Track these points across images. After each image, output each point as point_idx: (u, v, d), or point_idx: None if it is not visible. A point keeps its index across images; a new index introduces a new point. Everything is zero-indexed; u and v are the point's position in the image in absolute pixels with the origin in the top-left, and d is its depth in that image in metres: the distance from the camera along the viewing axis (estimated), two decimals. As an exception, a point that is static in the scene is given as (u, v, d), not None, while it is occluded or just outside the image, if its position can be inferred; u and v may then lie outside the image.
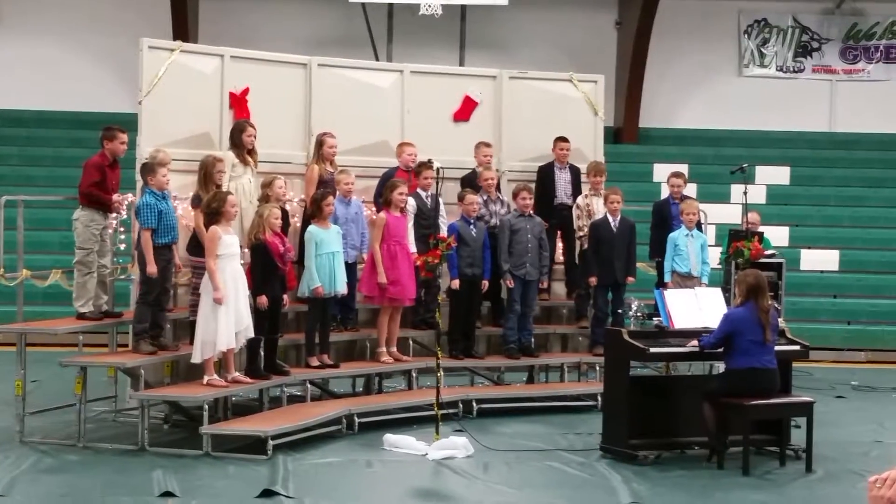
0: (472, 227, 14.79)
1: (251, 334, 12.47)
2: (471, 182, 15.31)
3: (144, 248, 12.25)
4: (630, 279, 15.37)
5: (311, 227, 13.51)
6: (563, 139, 15.93)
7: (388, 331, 14.35)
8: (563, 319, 16.19)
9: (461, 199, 14.86)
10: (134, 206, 12.94)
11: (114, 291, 13.29)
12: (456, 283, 14.64)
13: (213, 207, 12.19)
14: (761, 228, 16.64)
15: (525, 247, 14.88)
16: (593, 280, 15.20)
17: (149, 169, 12.51)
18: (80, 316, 12.75)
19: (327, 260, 13.45)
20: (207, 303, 12.11)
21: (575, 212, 15.68)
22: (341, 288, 13.61)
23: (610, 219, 15.21)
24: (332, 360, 13.83)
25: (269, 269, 12.70)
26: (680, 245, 15.23)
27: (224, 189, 13.02)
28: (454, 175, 15.18)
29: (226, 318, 12.08)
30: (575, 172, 15.99)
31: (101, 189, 12.74)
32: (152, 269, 12.22)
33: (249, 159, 13.81)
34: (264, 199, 13.43)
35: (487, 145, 15.58)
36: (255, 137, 13.83)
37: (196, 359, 12.24)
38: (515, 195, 15.05)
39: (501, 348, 15.20)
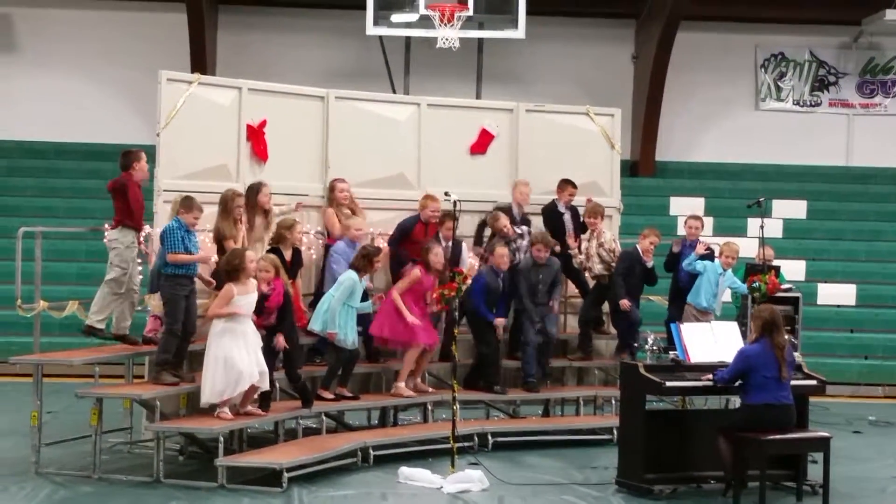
0: (500, 278, 14.83)
1: (266, 386, 12.48)
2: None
3: (185, 260, 12.35)
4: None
5: (353, 274, 13.53)
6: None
7: (416, 364, 14.41)
8: (577, 352, 16.12)
9: (491, 251, 14.87)
10: (153, 236, 13.07)
11: (133, 315, 13.33)
12: (501, 321, 14.85)
13: (234, 265, 12.21)
14: (778, 262, 16.61)
15: (536, 289, 15.00)
16: (625, 303, 15.18)
17: (187, 205, 12.53)
18: (91, 330, 12.79)
19: (351, 312, 13.50)
20: (220, 355, 12.10)
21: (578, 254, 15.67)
22: (351, 343, 13.64)
23: (643, 257, 15.27)
24: (350, 393, 13.86)
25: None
26: (712, 279, 15.20)
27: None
28: (471, 208, 15.19)
29: (237, 370, 12.07)
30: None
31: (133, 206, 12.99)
32: (206, 253, 12.60)
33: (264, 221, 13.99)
34: (278, 239, 13.66)
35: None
36: (270, 196, 14.02)
37: (205, 403, 12.26)
38: (532, 244, 15.04)
39: (520, 382, 15.17)
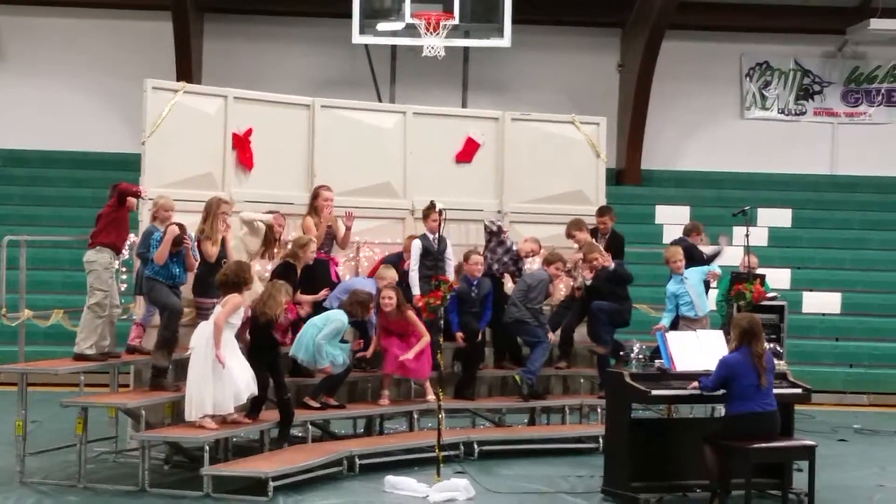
0: (473, 287, 14.84)
1: (255, 390, 12.46)
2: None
3: (162, 252, 12.46)
4: None
5: (344, 318, 13.54)
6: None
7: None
8: (562, 361, 16.12)
9: (466, 258, 14.90)
10: (136, 243, 13.11)
11: (115, 332, 13.30)
12: (460, 337, 14.78)
13: (242, 278, 12.26)
14: (763, 270, 16.61)
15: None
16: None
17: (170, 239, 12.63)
18: (81, 356, 12.74)
19: (340, 348, 13.53)
20: (203, 363, 12.08)
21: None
22: (346, 362, 13.67)
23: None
24: (335, 402, 13.87)
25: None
26: (679, 293, 15.17)
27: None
28: (456, 217, 15.20)
29: (229, 381, 12.06)
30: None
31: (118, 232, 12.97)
32: (174, 228, 12.52)
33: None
34: (293, 256, 13.80)
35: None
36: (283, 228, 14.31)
37: (193, 416, 12.19)
38: (549, 263, 15.05)
39: (506, 391, 15.21)
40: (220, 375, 11.99)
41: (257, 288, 13.42)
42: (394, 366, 14.15)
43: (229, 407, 12.15)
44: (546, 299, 15.25)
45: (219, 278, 12.43)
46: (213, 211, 13.29)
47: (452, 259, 15.06)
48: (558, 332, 15.66)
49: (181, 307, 12.74)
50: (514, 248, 15.51)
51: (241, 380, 12.16)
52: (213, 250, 13.15)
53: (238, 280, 12.26)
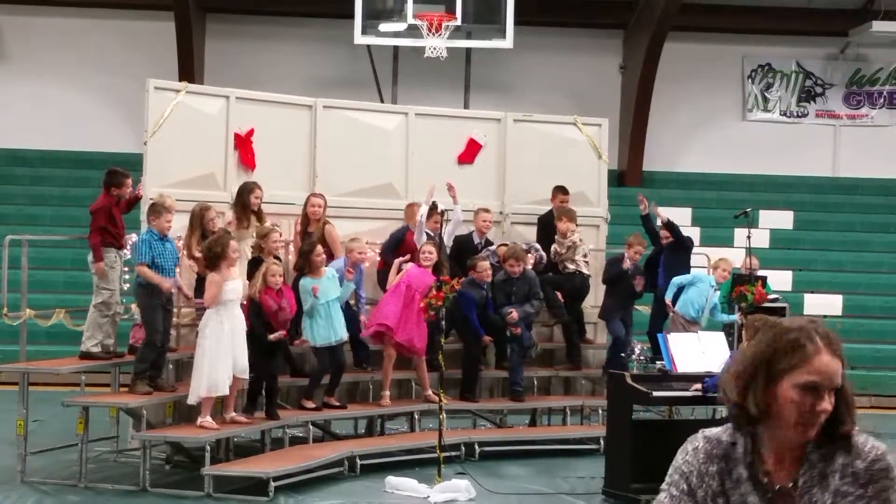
0: (483, 289, 14.81)
1: (246, 376, 12.45)
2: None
3: (148, 276, 12.29)
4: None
5: (304, 280, 13.44)
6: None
7: (419, 376, 14.50)
8: (565, 362, 16.12)
9: (472, 266, 14.79)
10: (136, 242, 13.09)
11: (116, 331, 13.30)
12: (487, 339, 14.94)
13: (215, 252, 12.16)
14: (764, 272, 16.63)
15: (510, 301, 15.03)
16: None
17: (154, 210, 12.55)
18: (87, 355, 12.75)
19: (324, 309, 13.43)
20: (206, 345, 12.07)
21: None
22: (342, 335, 13.58)
23: (629, 262, 15.30)
24: (338, 402, 13.84)
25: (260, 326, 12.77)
26: (701, 290, 15.17)
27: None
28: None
29: (224, 362, 12.05)
30: None
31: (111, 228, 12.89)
32: (168, 283, 12.36)
33: (254, 221, 13.81)
34: (257, 249, 13.52)
35: (487, 211, 15.57)
36: (261, 200, 13.86)
37: (192, 400, 12.22)
38: (504, 260, 15.00)
39: (507, 391, 15.21)
40: (215, 357, 11.99)
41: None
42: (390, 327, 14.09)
43: (224, 388, 12.11)
44: (510, 298, 15.11)
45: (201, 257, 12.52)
46: (196, 222, 13.24)
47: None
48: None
49: (159, 338, 12.40)
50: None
51: (238, 362, 12.14)
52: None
53: (211, 254, 12.16)
